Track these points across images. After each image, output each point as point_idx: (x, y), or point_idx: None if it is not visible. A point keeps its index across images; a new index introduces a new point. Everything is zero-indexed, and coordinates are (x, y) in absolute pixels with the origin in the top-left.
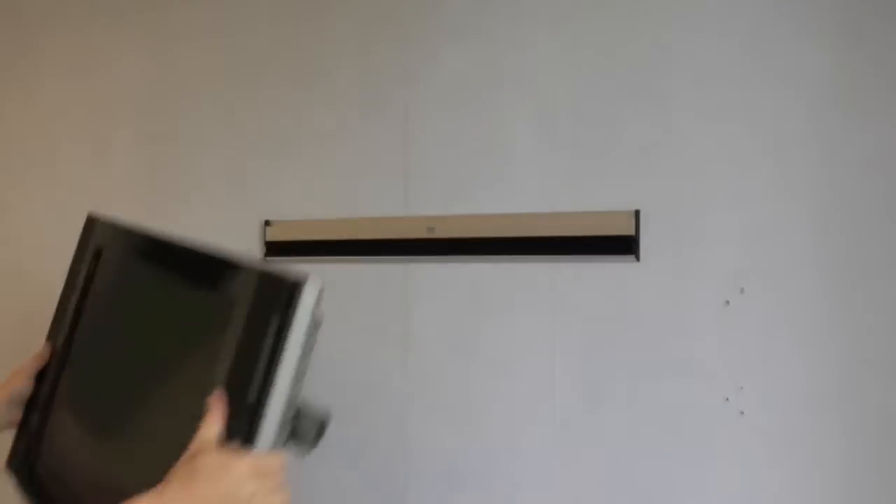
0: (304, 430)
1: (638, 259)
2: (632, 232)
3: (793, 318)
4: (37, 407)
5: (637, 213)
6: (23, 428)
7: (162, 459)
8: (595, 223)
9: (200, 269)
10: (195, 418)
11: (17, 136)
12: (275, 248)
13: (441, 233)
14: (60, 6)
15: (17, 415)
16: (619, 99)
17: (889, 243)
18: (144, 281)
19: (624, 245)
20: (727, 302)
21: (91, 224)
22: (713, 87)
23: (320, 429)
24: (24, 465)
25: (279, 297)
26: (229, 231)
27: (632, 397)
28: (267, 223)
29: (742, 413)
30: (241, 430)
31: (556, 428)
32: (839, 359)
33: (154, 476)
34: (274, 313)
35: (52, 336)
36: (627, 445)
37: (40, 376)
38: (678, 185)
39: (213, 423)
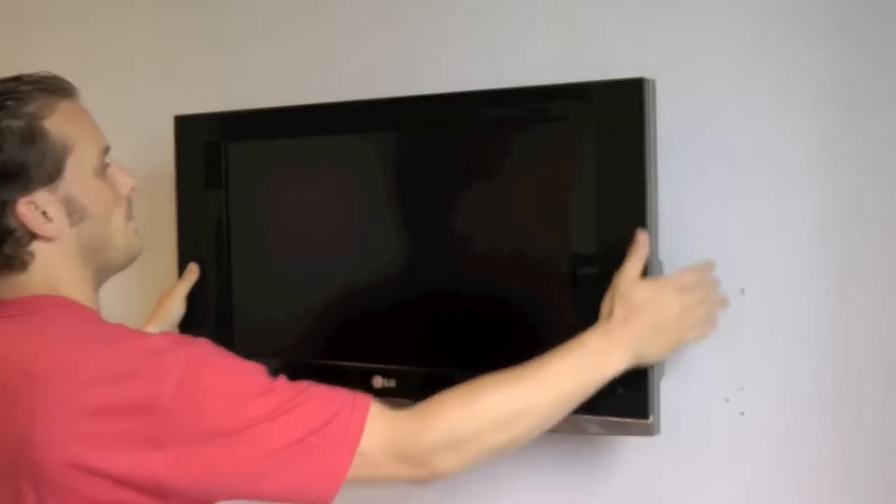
0: None
1: None
2: None
3: (793, 319)
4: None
5: None
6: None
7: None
8: None
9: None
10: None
11: None
12: None
13: None
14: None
15: None
16: None
17: (889, 243)
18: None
19: None
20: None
21: (187, 125)
22: (713, 87)
23: None
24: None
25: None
26: None
27: None
28: None
29: (743, 414)
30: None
31: None
32: (839, 359)
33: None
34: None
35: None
36: (627, 446)
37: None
38: (678, 186)
39: (638, 261)
